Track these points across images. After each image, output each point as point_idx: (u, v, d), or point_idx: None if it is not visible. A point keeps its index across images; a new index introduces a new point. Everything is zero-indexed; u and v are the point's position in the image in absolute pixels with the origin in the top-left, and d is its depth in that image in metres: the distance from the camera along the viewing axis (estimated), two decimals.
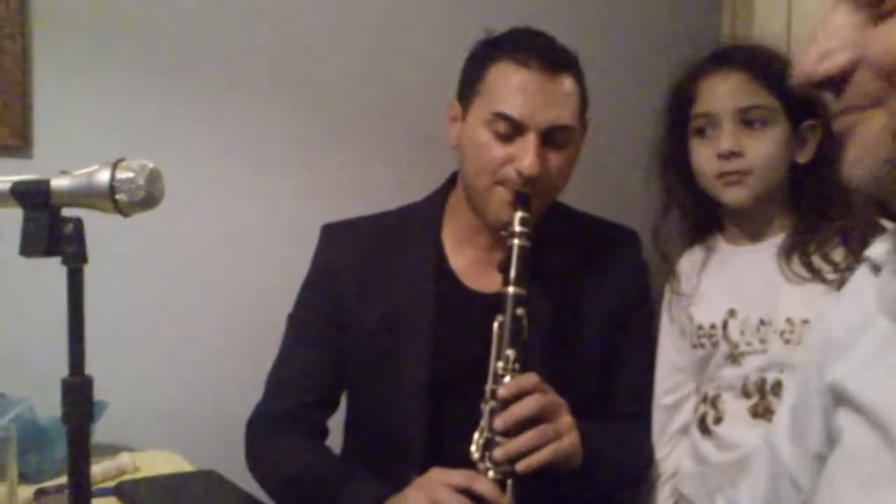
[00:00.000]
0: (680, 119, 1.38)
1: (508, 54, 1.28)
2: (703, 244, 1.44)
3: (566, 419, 1.21)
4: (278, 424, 1.40)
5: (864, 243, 1.19)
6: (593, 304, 1.39)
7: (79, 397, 0.84)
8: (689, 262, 1.45)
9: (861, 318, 0.79)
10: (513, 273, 1.22)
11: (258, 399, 1.45)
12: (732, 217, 1.40)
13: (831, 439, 0.80)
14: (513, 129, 1.27)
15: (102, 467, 1.43)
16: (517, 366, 1.19)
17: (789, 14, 1.56)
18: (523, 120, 1.26)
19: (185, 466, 1.51)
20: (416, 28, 1.40)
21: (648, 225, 1.47)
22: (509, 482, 1.15)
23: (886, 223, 0.87)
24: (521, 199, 1.26)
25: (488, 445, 1.17)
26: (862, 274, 0.83)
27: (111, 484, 1.39)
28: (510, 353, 1.19)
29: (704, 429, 1.37)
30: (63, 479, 1.02)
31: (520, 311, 1.20)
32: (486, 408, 1.18)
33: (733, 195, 1.33)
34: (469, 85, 1.34)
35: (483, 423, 1.18)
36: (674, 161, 1.40)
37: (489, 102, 1.29)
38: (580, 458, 1.23)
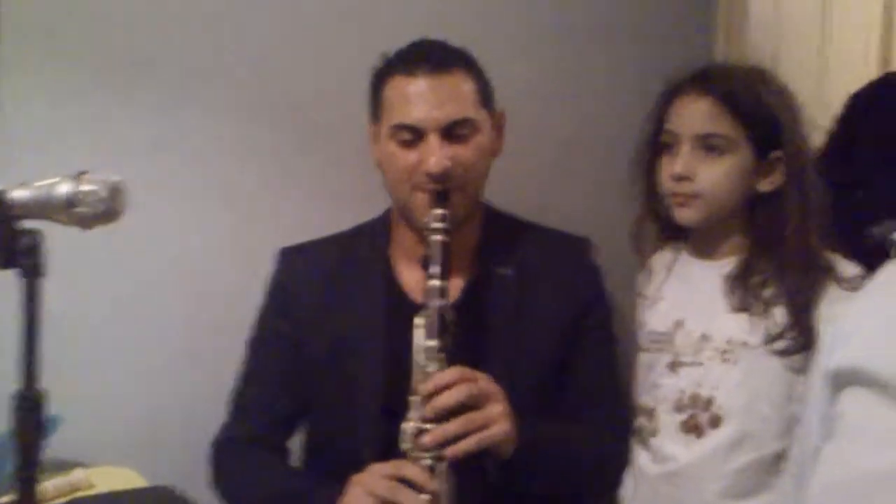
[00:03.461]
0: (654, 132, 1.41)
1: (397, 69, 1.36)
2: (673, 248, 1.47)
3: (498, 407, 1.24)
4: (242, 445, 1.43)
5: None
6: (547, 311, 1.42)
7: (29, 411, 0.83)
8: (659, 262, 1.48)
9: (872, 306, 0.85)
10: (433, 267, 1.26)
11: (215, 415, 1.45)
12: (692, 230, 1.43)
13: (828, 430, 0.85)
14: (414, 135, 1.33)
15: (55, 483, 1.41)
16: (441, 355, 1.23)
17: (779, 38, 1.59)
18: (419, 124, 1.32)
19: (140, 482, 1.49)
20: (378, 50, 1.42)
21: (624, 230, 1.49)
22: (440, 468, 1.19)
23: None
24: (437, 198, 1.31)
25: (417, 435, 1.21)
26: (885, 269, 0.88)
27: (64, 500, 1.37)
28: (432, 343, 1.23)
29: (642, 440, 1.40)
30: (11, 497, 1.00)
31: (442, 302, 1.25)
32: (413, 399, 1.22)
33: (681, 215, 1.37)
34: (373, 106, 1.41)
35: (410, 413, 1.22)
36: (647, 171, 1.43)
37: (389, 117, 1.36)
38: (513, 447, 1.25)
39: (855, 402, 0.83)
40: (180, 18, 1.65)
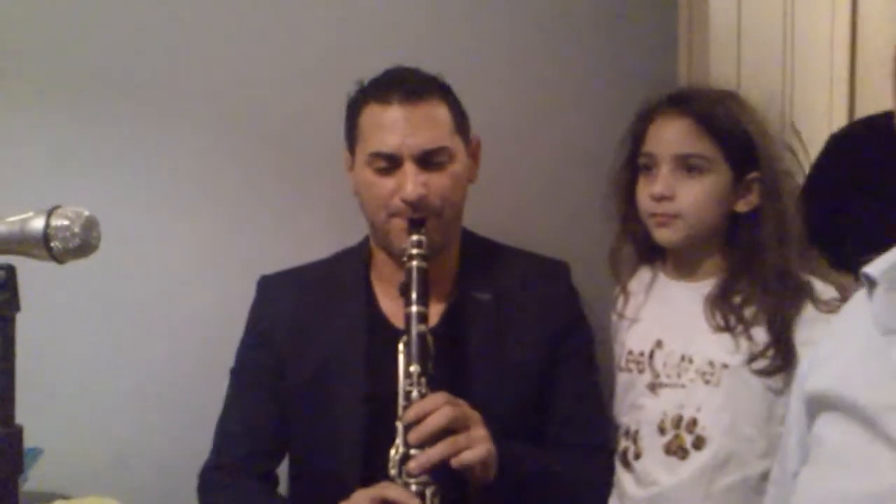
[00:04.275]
0: (632, 154, 1.42)
1: (372, 97, 1.37)
2: (650, 269, 1.48)
3: (479, 431, 1.24)
4: (228, 474, 1.43)
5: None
6: (526, 334, 1.42)
7: (6, 448, 0.82)
8: (637, 283, 1.48)
9: (847, 331, 0.86)
10: (413, 293, 1.27)
11: (197, 444, 1.45)
12: (670, 251, 1.44)
13: (806, 455, 0.87)
14: (390, 163, 1.34)
15: None
16: (423, 380, 1.23)
17: (741, 58, 1.60)
18: (395, 152, 1.33)
19: None
20: (358, 73, 1.43)
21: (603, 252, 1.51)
22: (428, 493, 1.19)
23: None
24: (413, 224, 1.33)
25: (404, 461, 1.21)
26: (858, 294, 0.90)
27: None
28: (414, 368, 1.23)
29: (626, 463, 1.40)
30: None
31: (422, 327, 1.26)
32: (400, 425, 1.22)
33: (662, 235, 1.38)
34: (350, 134, 1.42)
35: (398, 440, 1.22)
36: (625, 192, 1.44)
37: (365, 146, 1.37)
38: (494, 471, 1.26)
39: (832, 427, 0.84)
40: (159, 40, 1.65)
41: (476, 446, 1.22)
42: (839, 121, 1.53)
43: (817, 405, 0.87)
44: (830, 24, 1.52)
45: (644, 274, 1.48)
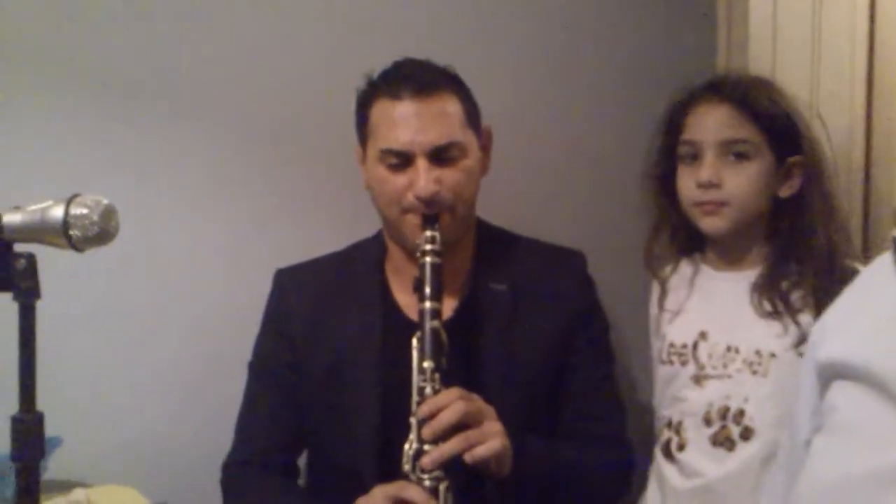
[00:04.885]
0: (670, 144, 1.41)
1: (383, 91, 1.36)
2: (690, 262, 1.46)
3: (493, 425, 1.24)
4: (249, 468, 1.44)
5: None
6: (541, 325, 1.42)
7: (29, 434, 0.84)
8: (678, 278, 1.47)
9: (864, 298, 0.85)
10: (427, 289, 1.27)
11: (215, 433, 1.46)
12: (713, 242, 1.42)
13: (819, 423, 0.85)
14: (402, 159, 1.33)
15: None
16: (437, 376, 1.23)
17: (775, 50, 1.60)
18: (406, 149, 1.32)
19: (141, 501, 1.49)
20: (367, 67, 1.43)
21: (634, 242, 1.50)
22: (441, 488, 1.19)
23: None
24: (427, 220, 1.32)
25: (418, 456, 1.21)
26: (875, 263, 0.88)
27: None
28: (427, 364, 1.23)
29: (668, 454, 1.39)
30: None
31: (436, 323, 1.25)
32: (413, 421, 1.23)
33: (709, 224, 1.36)
34: (361, 129, 1.42)
35: (412, 435, 1.22)
36: (663, 184, 1.43)
37: (377, 141, 1.36)
38: (510, 464, 1.25)
39: (845, 396, 0.82)
40: (172, 39, 1.66)
41: (489, 441, 1.22)
42: (859, 112, 1.52)
43: (830, 373, 0.85)
44: (851, 21, 1.52)
45: (685, 268, 1.46)
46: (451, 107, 1.36)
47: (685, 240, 1.45)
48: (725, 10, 1.72)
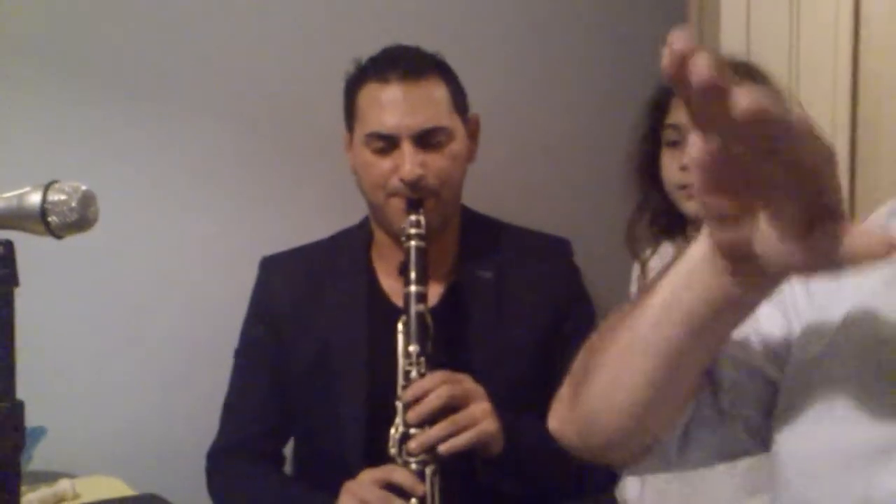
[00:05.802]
0: (654, 128, 1.41)
1: (371, 75, 1.36)
2: (673, 244, 1.47)
3: (482, 406, 1.25)
4: (235, 455, 1.44)
5: None
6: (527, 312, 1.43)
7: (8, 424, 0.83)
8: (659, 259, 1.47)
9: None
10: (412, 273, 1.28)
11: (200, 422, 1.46)
12: (696, 226, 1.42)
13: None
14: (388, 143, 1.34)
15: (40, 494, 1.40)
16: (422, 360, 1.24)
17: (750, 40, 1.60)
18: (392, 132, 1.33)
19: (127, 491, 1.48)
20: (356, 54, 1.42)
21: (620, 230, 1.50)
22: (428, 472, 1.20)
23: None
24: (412, 205, 1.33)
25: (404, 439, 1.22)
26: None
27: None
28: (413, 348, 1.24)
29: None
30: None
31: (421, 307, 1.26)
32: (399, 404, 1.23)
33: (693, 207, 1.37)
34: (348, 113, 1.42)
35: (397, 419, 1.23)
36: (647, 168, 1.43)
37: (363, 125, 1.36)
38: (500, 445, 1.26)
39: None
40: (154, 29, 1.65)
41: (477, 423, 1.23)
42: (843, 102, 1.52)
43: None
44: (835, 12, 1.52)
45: (667, 249, 1.47)
46: (439, 92, 1.36)
47: (665, 224, 1.46)
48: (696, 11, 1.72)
